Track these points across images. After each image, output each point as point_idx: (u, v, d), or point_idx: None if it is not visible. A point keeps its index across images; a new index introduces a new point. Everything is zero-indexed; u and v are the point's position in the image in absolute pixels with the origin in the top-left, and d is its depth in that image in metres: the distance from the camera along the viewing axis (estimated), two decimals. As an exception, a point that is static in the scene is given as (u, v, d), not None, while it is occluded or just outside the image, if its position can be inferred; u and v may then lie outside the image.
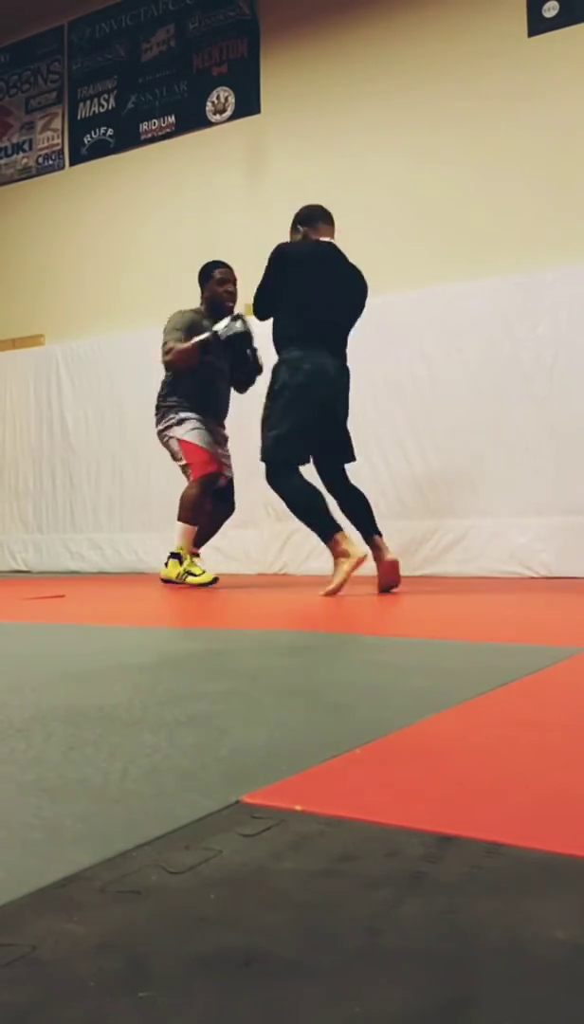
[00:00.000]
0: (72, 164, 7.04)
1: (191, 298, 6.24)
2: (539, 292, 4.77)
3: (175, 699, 1.30)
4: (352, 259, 3.95)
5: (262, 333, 4.14)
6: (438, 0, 5.45)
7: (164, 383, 4.55)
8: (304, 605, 3.27)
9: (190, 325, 4.45)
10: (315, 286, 3.70)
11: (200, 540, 4.51)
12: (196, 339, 4.32)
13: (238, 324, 4.35)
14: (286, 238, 4.01)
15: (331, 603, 3.30)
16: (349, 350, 4.25)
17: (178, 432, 4.43)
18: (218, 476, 4.46)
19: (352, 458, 3.84)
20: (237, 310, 4.54)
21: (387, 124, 5.61)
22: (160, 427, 4.52)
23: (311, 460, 3.77)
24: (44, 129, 7.22)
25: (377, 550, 3.64)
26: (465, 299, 4.96)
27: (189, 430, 4.43)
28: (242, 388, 4.62)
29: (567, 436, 4.65)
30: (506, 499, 4.78)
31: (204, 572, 4.30)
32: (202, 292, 4.66)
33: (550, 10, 5.10)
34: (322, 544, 5.02)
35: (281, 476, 3.61)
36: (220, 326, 4.35)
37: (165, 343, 4.42)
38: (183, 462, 4.42)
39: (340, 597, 3.48)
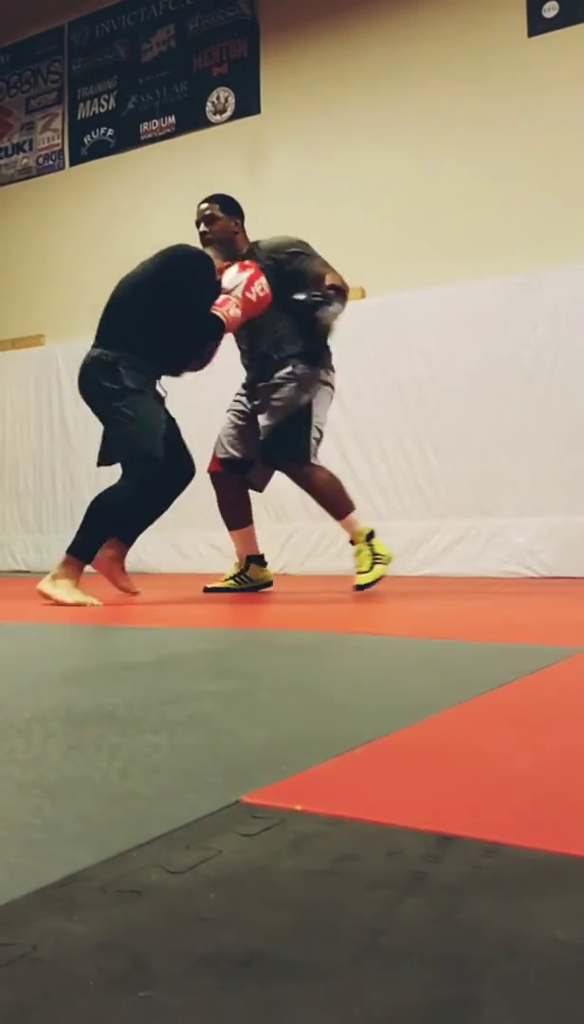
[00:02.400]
0: (72, 164, 7.04)
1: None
2: (539, 292, 4.77)
3: (175, 699, 1.30)
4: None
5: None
6: (438, 0, 5.45)
7: None
8: (304, 605, 3.27)
9: None
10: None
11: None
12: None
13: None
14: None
15: (331, 603, 3.30)
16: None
17: None
18: (215, 473, 3.81)
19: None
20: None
21: (387, 124, 5.61)
22: None
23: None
24: (44, 129, 7.22)
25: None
26: (465, 299, 4.96)
27: None
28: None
29: (567, 436, 4.65)
30: (506, 499, 4.78)
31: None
32: None
33: (550, 10, 5.10)
34: (322, 544, 5.01)
35: None
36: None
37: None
38: None
39: (341, 598, 3.49)
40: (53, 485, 6.67)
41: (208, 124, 6.36)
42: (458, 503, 4.93)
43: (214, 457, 3.80)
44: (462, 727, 1.12)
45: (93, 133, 6.93)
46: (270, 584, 3.86)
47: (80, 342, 6.60)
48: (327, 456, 5.28)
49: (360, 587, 3.44)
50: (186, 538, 5.93)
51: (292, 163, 5.94)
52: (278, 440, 3.56)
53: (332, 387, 3.66)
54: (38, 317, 7.03)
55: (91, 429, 6.52)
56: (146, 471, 3.25)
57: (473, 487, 4.89)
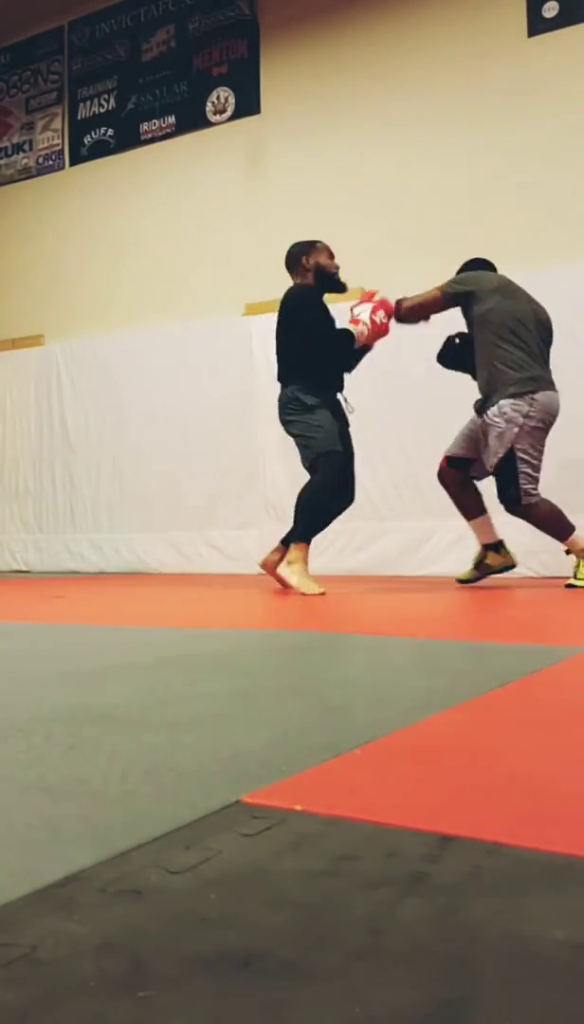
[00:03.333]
0: (72, 164, 7.04)
1: (192, 297, 6.25)
2: (539, 292, 4.76)
3: (175, 699, 1.30)
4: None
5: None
6: (438, 0, 5.45)
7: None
8: (304, 605, 3.27)
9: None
10: None
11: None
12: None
13: None
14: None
15: (331, 603, 3.30)
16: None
17: None
18: (440, 471, 4.22)
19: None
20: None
21: (387, 124, 5.61)
22: None
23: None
24: (44, 129, 7.22)
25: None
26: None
27: None
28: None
29: (567, 436, 4.65)
30: (506, 499, 4.76)
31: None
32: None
33: (550, 10, 5.10)
34: (322, 544, 5.05)
35: None
36: None
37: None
38: None
39: (341, 598, 3.49)
40: (53, 485, 6.67)
41: (208, 124, 6.36)
42: (458, 503, 4.92)
43: (443, 458, 4.16)
44: (462, 727, 1.12)
45: (93, 133, 6.93)
46: (512, 567, 4.07)
47: (80, 342, 6.66)
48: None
49: (571, 586, 3.80)
50: (186, 538, 5.93)
51: (292, 163, 5.94)
52: (499, 483, 3.86)
53: (527, 419, 3.84)
54: (38, 317, 7.03)
55: (91, 428, 6.57)
56: (330, 463, 3.78)
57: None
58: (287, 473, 5.46)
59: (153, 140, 6.63)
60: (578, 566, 3.80)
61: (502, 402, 3.79)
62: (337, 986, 0.46)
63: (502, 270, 5.20)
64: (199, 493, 5.88)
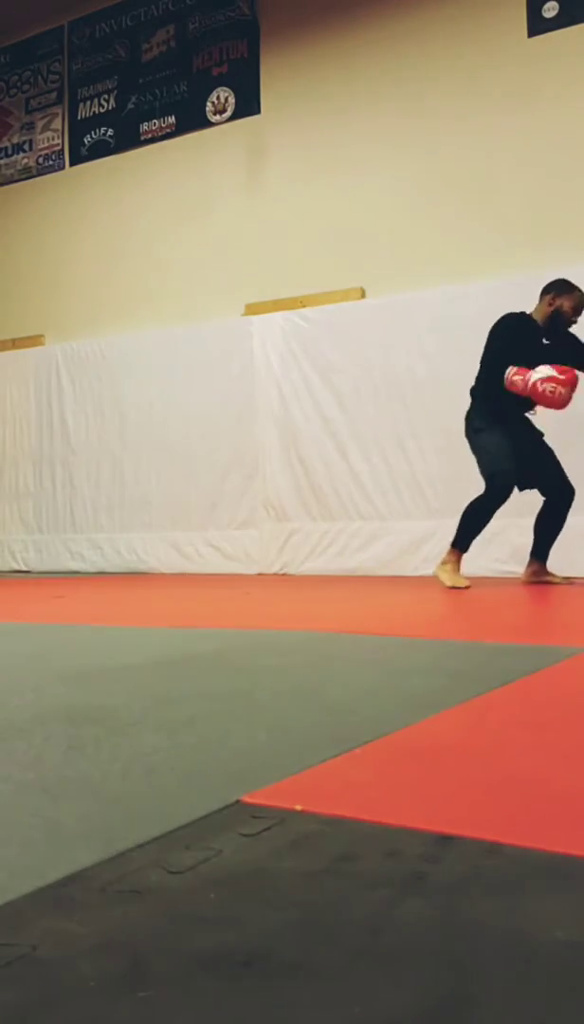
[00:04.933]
0: (72, 164, 7.04)
1: (192, 297, 6.25)
2: (539, 292, 4.77)
3: (175, 699, 1.30)
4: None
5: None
6: (438, 1, 5.45)
7: None
8: (304, 605, 3.27)
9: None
10: None
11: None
12: None
13: None
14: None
15: (331, 603, 3.30)
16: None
17: None
18: None
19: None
20: None
21: (387, 124, 5.61)
22: None
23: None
24: (44, 129, 7.22)
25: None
26: (465, 299, 4.96)
27: None
28: None
29: (566, 436, 4.65)
30: (506, 499, 4.77)
31: None
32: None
33: (550, 10, 5.10)
34: (321, 544, 5.06)
35: None
36: None
37: None
38: None
39: (341, 598, 3.49)
40: (53, 485, 6.67)
41: (208, 124, 6.36)
42: (458, 503, 4.92)
43: None
44: (462, 727, 1.12)
45: (93, 133, 6.93)
46: None
47: (80, 342, 6.66)
48: (327, 456, 5.30)
49: None
50: (186, 538, 5.93)
51: (292, 163, 5.93)
52: None
53: None
54: (38, 317, 7.03)
55: (91, 428, 6.57)
56: (494, 484, 3.98)
57: (473, 487, 4.87)
58: (287, 473, 5.46)
59: (153, 140, 6.62)
60: None
61: None
62: (337, 986, 0.46)
63: (503, 270, 5.20)
64: (199, 493, 5.88)
